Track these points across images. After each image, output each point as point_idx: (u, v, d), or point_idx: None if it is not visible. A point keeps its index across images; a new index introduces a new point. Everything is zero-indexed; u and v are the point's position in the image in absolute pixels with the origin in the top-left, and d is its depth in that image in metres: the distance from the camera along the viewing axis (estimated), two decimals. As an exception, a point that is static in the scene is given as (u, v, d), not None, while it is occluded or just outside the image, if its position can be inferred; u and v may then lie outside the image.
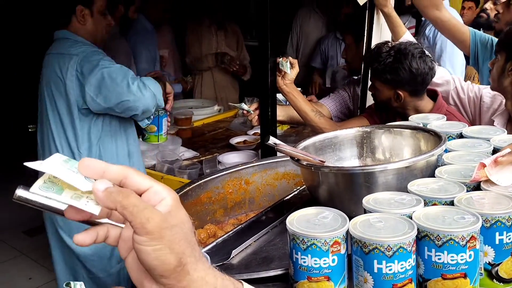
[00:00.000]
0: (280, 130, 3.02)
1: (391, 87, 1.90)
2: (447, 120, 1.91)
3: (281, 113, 2.10)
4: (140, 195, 0.53)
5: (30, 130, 3.69)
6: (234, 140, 2.82)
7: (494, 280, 0.92)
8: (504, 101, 1.83)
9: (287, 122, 2.22)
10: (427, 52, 1.91)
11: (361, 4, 2.03)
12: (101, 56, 1.93)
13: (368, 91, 2.07)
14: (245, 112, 2.02)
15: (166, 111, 2.12)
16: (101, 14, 2.03)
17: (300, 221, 0.92)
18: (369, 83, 2.12)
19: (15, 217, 3.69)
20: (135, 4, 3.40)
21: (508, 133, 1.35)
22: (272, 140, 1.23)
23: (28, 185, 0.56)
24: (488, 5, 3.05)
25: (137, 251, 0.51)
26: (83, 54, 1.92)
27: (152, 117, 2.05)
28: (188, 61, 4.07)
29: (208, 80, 4.01)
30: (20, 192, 0.57)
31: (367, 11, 2.09)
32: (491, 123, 1.81)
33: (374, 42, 2.12)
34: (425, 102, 1.97)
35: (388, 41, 1.96)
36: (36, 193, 0.54)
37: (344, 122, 2.14)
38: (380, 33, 2.16)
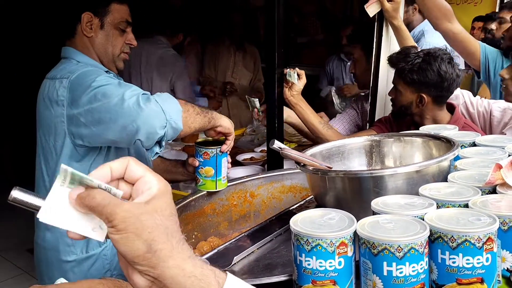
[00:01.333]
0: (288, 147, 2.99)
1: (415, 90, 1.85)
2: None
3: (294, 115, 2.08)
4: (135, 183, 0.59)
5: None
6: (241, 157, 2.79)
7: (514, 289, 0.86)
8: None
9: (296, 127, 2.17)
10: (455, 60, 1.88)
11: (371, 16, 2.02)
12: (98, 74, 1.51)
13: (388, 95, 2.00)
14: (255, 110, 1.93)
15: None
16: (117, 28, 1.66)
17: (304, 221, 0.87)
18: (386, 89, 2.10)
19: (21, 235, 3.67)
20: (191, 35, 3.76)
21: None
22: (277, 144, 1.19)
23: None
24: (494, 25, 3.03)
25: (111, 240, 0.56)
26: (75, 74, 1.52)
27: (206, 155, 1.55)
28: (201, 80, 4.11)
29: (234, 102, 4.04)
30: (15, 193, 0.57)
31: (376, 22, 2.08)
32: None
33: (383, 55, 2.10)
34: (443, 114, 1.93)
35: (415, 46, 1.94)
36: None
37: (353, 135, 2.10)
38: (390, 46, 2.14)
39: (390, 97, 1.96)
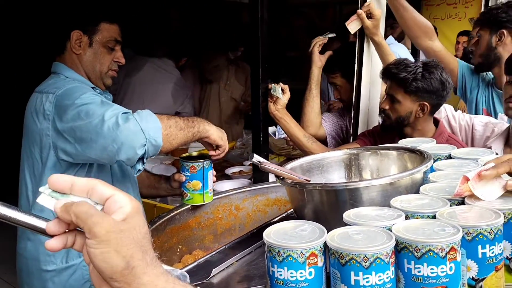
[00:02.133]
0: (276, 161, 3.02)
1: (417, 98, 1.90)
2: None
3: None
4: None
5: None
6: (230, 170, 2.82)
7: (479, 297, 0.89)
8: (495, 129, 1.84)
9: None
10: None
11: (352, 32, 2.08)
12: (84, 91, 1.52)
13: (380, 107, 2.02)
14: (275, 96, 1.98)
15: (211, 162, 1.62)
16: (105, 47, 1.69)
17: (277, 233, 0.90)
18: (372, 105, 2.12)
19: (12, 251, 3.64)
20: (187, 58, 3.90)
21: None
22: (256, 158, 1.22)
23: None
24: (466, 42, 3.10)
25: (88, 254, 0.56)
26: (62, 90, 1.54)
27: (193, 169, 1.56)
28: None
29: (214, 111, 4.08)
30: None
31: (357, 39, 2.13)
32: None
33: (365, 70, 2.15)
34: (431, 126, 1.99)
35: (406, 59, 2.00)
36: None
37: (336, 148, 2.14)
38: (371, 61, 2.19)
39: (383, 109, 1.98)
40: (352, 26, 2.05)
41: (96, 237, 0.55)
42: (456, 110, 2.18)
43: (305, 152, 2.03)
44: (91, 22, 1.68)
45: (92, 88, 1.68)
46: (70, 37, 1.66)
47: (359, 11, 2.05)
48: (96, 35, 1.68)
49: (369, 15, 2.07)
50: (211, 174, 1.62)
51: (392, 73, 1.91)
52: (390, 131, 2.03)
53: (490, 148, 1.84)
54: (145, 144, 1.39)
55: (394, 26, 3.38)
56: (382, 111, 2.02)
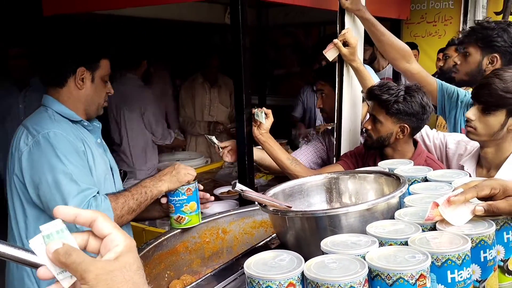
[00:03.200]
0: (264, 179, 3.07)
1: (397, 120, 1.96)
2: (427, 166, 1.99)
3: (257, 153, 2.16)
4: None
5: None
6: (219, 191, 2.86)
7: (450, 320, 0.93)
8: (467, 146, 1.90)
9: (259, 163, 2.24)
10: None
11: (330, 60, 2.14)
12: (62, 147, 1.60)
13: (362, 126, 2.07)
14: (216, 146, 2.02)
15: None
16: (103, 81, 1.79)
17: (257, 264, 0.94)
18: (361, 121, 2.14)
19: None
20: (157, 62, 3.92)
21: (476, 176, 1.40)
22: (238, 186, 1.26)
23: None
24: (442, 62, 3.19)
25: None
26: (40, 140, 1.61)
27: (189, 191, 1.63)
28: (181, 121, 4.19)
29: (200, 141, 4.11)
30: None
31: (337, 63, 2.20)
32: (459, 168, 1.87)
33: (345, 92, 2.21)
34: (410, 147, 2.05)
35: (389, 82, 2.06)
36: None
37: (319, 170, 2.19)
38: (351, 83, 2.26)
39: (365, 129, 2.04)
40: (330, 54, 2.11)
41: (87, 283, 0.58)
42: (433, 128, 2.24)
43: (289, 175, 2.08)
44: (94, 58, 1.77)
45: (79, 121, 1.75)
46: (75, 73, 1.73)
47: (335, 40, 2.12)
48: (98, 71, 1.78)
49: (346, 43, 2.13)
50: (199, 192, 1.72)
51: (375, 94, 1.97)
52: (371, 150, 2.09)
53: (462, 166, 1.90)
54: None
55: (365, 49, 3.48)
56: (364, 131, 2.08)
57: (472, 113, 1.76)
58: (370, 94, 2.00)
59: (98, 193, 1.62)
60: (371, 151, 2.11)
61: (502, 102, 1.69)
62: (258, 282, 0.89)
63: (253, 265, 0.94)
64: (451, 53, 3.27)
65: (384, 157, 2.04)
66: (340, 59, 2.19)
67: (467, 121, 1.79)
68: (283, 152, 2.03)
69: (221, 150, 1.99)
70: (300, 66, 4.28)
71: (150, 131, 3.67)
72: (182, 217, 1.62)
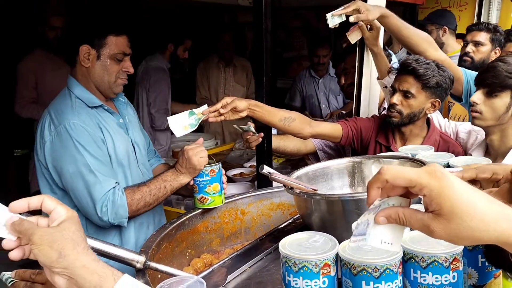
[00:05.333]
0: (276, 162, 3.08)
1: (430, 95, 1.95)
2: (442, 143, 2.00)
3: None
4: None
5: (15, 154, 3.72)
6: (231, 173, 2.87)
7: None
8: (478, 136, 1.90)
9: (274, 151, 2.20)
10: None
11: (352, 43, 2.14)
12: (83, 143, 1.64)
13: (391, 102, 2.00)
14: (250, 134, 1.92)
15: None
16: (113, 59, 1.74)
17: (292, 244, 0.97)
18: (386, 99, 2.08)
19: None
20: (184, 44, 3.80)
21: None
22: (266, 169, 1.28)
23: None
24: (470, 48, 2.99)
25: (33, 255, 0.76)
26: (58, 134, 1.65)
27: (213, 172, 1.65)
28: (198, 101, 4.17)
29: (215, 123, 4.10)
30: None
31: (357, 48, 2.19)
32: None
33: (364, 78, 2.21)
34: (425, 124, 2.05)
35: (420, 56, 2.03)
36: None
37: (318, 122, 2.13)
38: (371, 70, 2.26)
39: (393, 106, 1.98)
40: (353, 36, 2.10)
41: (33, 243, 0.74)
42: (445, 118, 2.24)
43: (289, 133, 2.03)
44: (98, 35, 1.73)
45: (100, 106, 1.76)
46: (79, 51, 1.71)
47: (360, 22, 2.09)
48: (104, 48, 1.73)
49: (369, 27, 2.11)
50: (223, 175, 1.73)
51: (413, 67, 1.92)
52: (399, 127, 2.02)
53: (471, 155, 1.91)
54: (111, 224, 1.68)
55: None
56: (389, 108, 2.02)
57: (477, 97, 1.76)
58: (406, 67, 1.95)
59: (117, 183, 1.67)
60: (378, 127, 2.10)
61: (507, 82, 1.70)
62: (295, 262, 0.92)
63: (288, 246, 0.96)
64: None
65: (401, 133, 2.04)
66: (361, 43, 2.19)
67: (472, 105, 1.79)
68: (273, 115, 1.91)
69: (257, 135, 1.92)
70: (310, 48, 4.22)
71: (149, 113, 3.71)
72: (205, 198, 1.65)
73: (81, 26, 1.77)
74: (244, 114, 1.83)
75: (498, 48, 3.00)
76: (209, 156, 1.71)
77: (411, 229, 0.74)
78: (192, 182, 1.68)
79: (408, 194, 0.69)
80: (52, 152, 1.67)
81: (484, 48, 2.97)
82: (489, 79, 1.74)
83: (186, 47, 3.86)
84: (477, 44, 2.97)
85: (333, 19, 2.01)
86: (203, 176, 1.64)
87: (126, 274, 0.77)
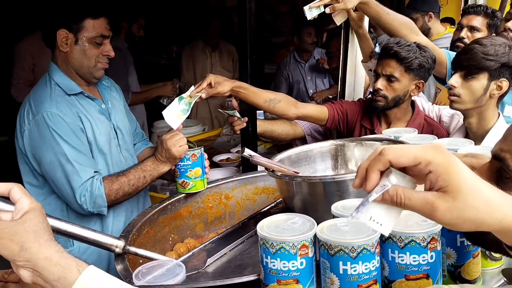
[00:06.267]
0: (262, 148, 3.07)
1: (414, 77, 1.94)
2: (426, 126, 2.00)
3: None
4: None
5: None
6: (218, 158, 2.85)
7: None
8: (460, 120, 1.90)
9: (261, 135, 2.19)
10: None
11: (338, 24, 2.11)
12: (61, 126, 1.63)
13: (374, 87, 1.98)
14: (235, 118, 1.91)
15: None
16: (92, 43, 1.70)
17: (270, 226, 0.96)
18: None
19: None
20: (137, 21, 3.59)
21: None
22: (247, 152, 1.27)
23: None
24: (465, 34, 2.82)
25: None
26: (37, 121, 1.63)
27: (194, 156, 1.63)
28: (182, 85, 4.13)
29: (201, 106, 4.07)
30: None
31: (342, 30, 2.17)
32: None
33: (349, 62, 2.19)
34: (409, 107, 2.04)
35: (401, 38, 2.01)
36: None
37: (304, 104, 2.13)
38: (355, 53, 2.24)
39: (377, 91, 1.98)
40: (338, 17, 2.07)
41: None
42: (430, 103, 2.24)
43: (274, 114, 2.03)
44: (75, 19, 1.68)
45: (80, 93, 1.73)
46: (56, 36, 1.67)
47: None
48: (81, 32, 1.69)
49: (355, 8, 2.08)
50: (205, 158, 1.71)
51: (395, 50, 1.92)
52: (385, 111, 2.02)
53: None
54: (91, 213, 1.68)
55: None
56: (373, 93, 2.01)
57: (454, 80, 1.75)
58: (387, 50, 1.94)
59: (96, 172, 1.65)
60: (363, 111, 2.09)
61: (483, 64, 1.70)
62: (272, 243, 0.90)
63: (266, 227, 0.95)
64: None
65: (386, 116, 2.03)
66: (346, 25, 2.16)
67: (450, 89, 1.78)
68: (258, 96, 1.91)
69: (242, 120, 1.90)
70: (294, 33, 4.16)
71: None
72: (187, 182, 1.63)
73: (58, 10, 1.72)
74: (226, 94, 1.84)
75: (494, 34, 2.90)
76: (189, 141, 1.70)
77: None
78: (173, 167, 1.66)
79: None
80: (31, 141, 1.65)
81: (480, 35, 2.75)
82: (466, 61, 1.73)
83: (140, 24, 3.75)
84: (472, 29, 2.79)
85: (311, 11, 1.99)
86: (184, 160, 1.62)
87: (92, 265, 0.76)
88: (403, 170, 0.63)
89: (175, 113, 1.73)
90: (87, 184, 1.61)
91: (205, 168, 1.67)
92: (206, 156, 1.71)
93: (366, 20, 2.18)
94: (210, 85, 1.79)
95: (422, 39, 2.09)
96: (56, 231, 1.00)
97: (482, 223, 0.60)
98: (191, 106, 1.76)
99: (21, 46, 3.26)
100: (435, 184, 0.59)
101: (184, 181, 1.63)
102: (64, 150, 1.61)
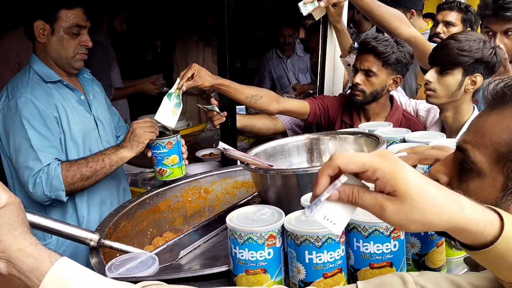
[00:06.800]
0: (246, 143, 3.08)
1: (391, 72, 1.97)
2: (404, 121, 2.03)
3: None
4: None
5: None
6: (201, 153, 2.86)
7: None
8: (437, 114, 1.94)
9: (242, 130, 2.21)
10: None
11: (316, 19, 2.12)
12: (30, 111, 1.63)
13: (354, 81, 2.00)
14: (214, 113, 1.92)
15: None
16: (68, 33, 1.71)
17: (239, 217, 0.97)
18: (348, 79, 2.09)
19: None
20: (120, 16, 3.56)
21: None
22: (221, 145, 1.28)
23: None
24: (441, 29, 2.91)
25: None
26: (11, 104, 1.65)
27: (170, 144, 1.63)
28: (175, 78, 4.12)
29: (191, 101, 4.06)
30: None
31: (320, 25, 2.18)
32: None
33: (328, 56, 2.21)
34: (388, 101, 2.08)
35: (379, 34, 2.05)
36: None
37: (285, 99, 2.17)
38: (334, 48, 2.26)
39: (356, 85, 2.00)
40: (316, 12, 2.08)
41: None
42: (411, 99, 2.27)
43: (257, 110, 2.06)
44: (51, 10, 1.70)
45: (58, 81, 1.74)
46: (33, 27, 1.69)
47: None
48: (57, 22, 1.70)
49: (333, 3, 2.10)
50: (182, 145, 1.71)
51: (372, 45, 1.95)
52: (364, 105, 2.04)
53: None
54: (50, 200, 1.64)
55: None
56: (352, 88, 2.04)
57: (430, 75, 1.78)
58: (365, 45, 1.97)
59: (57, 159, 1.64)
60: (343, 106, 2.12)
61: (458, 60, 1.73)
62: (240, 234, 0.92)
63: (235, 219, 0.96)
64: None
65: (365, 111, 2.06)
66: (324, 20, 2.18)
67: (426, 83, 1.81)
68: (240, 93, 1.93)
69: (221, 114, 1.91)
70: (275, 29, 4.18)
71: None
72: (164, 170, 1.65)
73: (34, 2, 1.74)
74: (206, 88, 1.88)
75: (469, 29, 2.96)
76: (165, 129, 1.70)
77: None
78: (150, 154, 1.66)
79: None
80: (3, 125, 1.67)
81: (455, 29, 2.86)
82: (441, 57, 1.76)
83: (123, 19, 3.73)
84: (448, 24, 2.89)
85: (306, 7, 2.02)
86: (160, 148, 1.64)
87: (65, 257, 0.78)
88: (356, 175, 0.65)
89: (169, 110, 1.73)
90: (45, 168, 1.60)
91: (183, 154, 1.68)
92: (183, 142, 1.71)
93: (345, 15, 2.20)
94: (192, 76, 1.80)
95: (414, 32, 2.10)
96: (31, 226, 1.01)
97: (430, 224, 0.62)
98: (181, 97, 1.77)
99: (4, 43, 3.20)
100: (384, 189, 0.62)
101: (161, 169, 1.65)
102: (29, 136, 1.62)
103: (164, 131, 1.71)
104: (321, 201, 0.64)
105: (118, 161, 1.66)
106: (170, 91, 1.77)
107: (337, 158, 0.65)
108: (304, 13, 2.01)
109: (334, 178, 0.65)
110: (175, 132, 1.71)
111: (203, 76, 1.82)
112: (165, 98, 1.76)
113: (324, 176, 0.66)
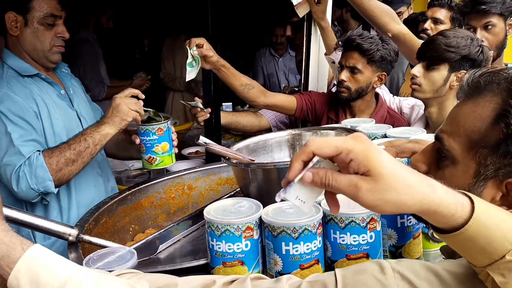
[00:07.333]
0: (232, 141, 3.08)
1: (376, 69, 1.99)
2: (388, 118, 2.05)
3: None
4: None
5: None
6: (187, 151, 2.86)
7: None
8: (420, 111, 1.95)
9: (227, 127, 2.21)
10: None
11: (300, 16, 2.13)
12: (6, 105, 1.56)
13: (339, 78, 2.02)
14: (198, 109, 1.90)
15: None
16: (43, 24, 1.63)
17: (217, 210, 0.97)
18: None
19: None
20: (106, 13, 3.56)
21: None
22: (202, 139, 1.28)
23: None
24: (429, 25, 2.90)
25: None
26: None
27: (160, 130, 1.56)
28: (162, 76, 4.12)
29: (179, 98, 4.06)
30: None
31: (305, 22, 2.19)
32: None
33: (312, 54, 2.21)
34: (374, 98, 2.09)
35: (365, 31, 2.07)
36: None
37: (273, 94, 2.17)
38: (319, 45, 2.26)
39: (341, 82, 2.01)
40: (301, 9, 2.09)
41: None
42: (395, 96, 2.29)
43: (245, 100, 2.08)
44: (23, 0, 1.61)
45: (35, 75, 1.67)
46: (4, 19, 1.61)
47: None
48: (31, 13, 1.62)
49: (317, 0, 2.11)
50: (172, 132, 1.64)
51: (357, 42, 1.96)
52: (349, 102, 2.05)
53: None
54: (38, 194, 1.54)
55: (333, 11, 3.40)
56: (337, 85, 2.05)
57: (417, 70, 1.80)
58: (350, 43, 1.98)
59: (39, 151, 1.56)
60: (329, 103, 2.13)
61: (445, 56, 1.74)
62: (217, 226, 0.92)
63: (212, 211, 0.96)
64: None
65: (351, 108, 2.07)
66: (308, 17, 2.19)
67: (412, 78, 1.83)
68: (236, 79, 1.96)
69: (205, 111, 1.90)
70: (267, 29, 4.19)
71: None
72: (153, 158, 1.57)
73: None
74: (212, 60, 1.90)
75: (457, 27, 2.97)
76: (155, 113, 1.63)
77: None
78: (138, 141, 1.58)
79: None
80: None
81: (443, 27, 2.84)
82: (428, 52, 1.77)
83: (109, 16, 3.73)
84: (436, 21, 2.87)
85: (299, 10, 2.05)
86: (149, 135, 1.55)
87: (38, 244, 0.76)
88: (332, 160, 0.66)
89: (195, 71, 1.86)
90: (26, 161, 1.52)
91: (173, 141, 1.61)
92: (173, 129, 1.64)
93: (329, 12, 2.21)
94: (202, 45, 1.86)
95: (402, 28, 2.10)
96: (9, 220, 1.00)
97: (403, 204, 0.63)
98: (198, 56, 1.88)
99: None
100: (358, 170, 0.63)
101: (150, 156, 1.57)
102: (8, 130, 1.54)
103: (153, 117, 1.62)
104: (294, 182, 0.67)
105: (101, 139, 1.56)
106: (188, 61, 1.86)
107: (311, 144, 0.66)
108: (300, 16, 2.05)
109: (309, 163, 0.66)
110: (165, 118, 1.61)
111: (211, 50, 1.87)
112: (188, 68, 1.85)
113: (298, 161, 0.67)
